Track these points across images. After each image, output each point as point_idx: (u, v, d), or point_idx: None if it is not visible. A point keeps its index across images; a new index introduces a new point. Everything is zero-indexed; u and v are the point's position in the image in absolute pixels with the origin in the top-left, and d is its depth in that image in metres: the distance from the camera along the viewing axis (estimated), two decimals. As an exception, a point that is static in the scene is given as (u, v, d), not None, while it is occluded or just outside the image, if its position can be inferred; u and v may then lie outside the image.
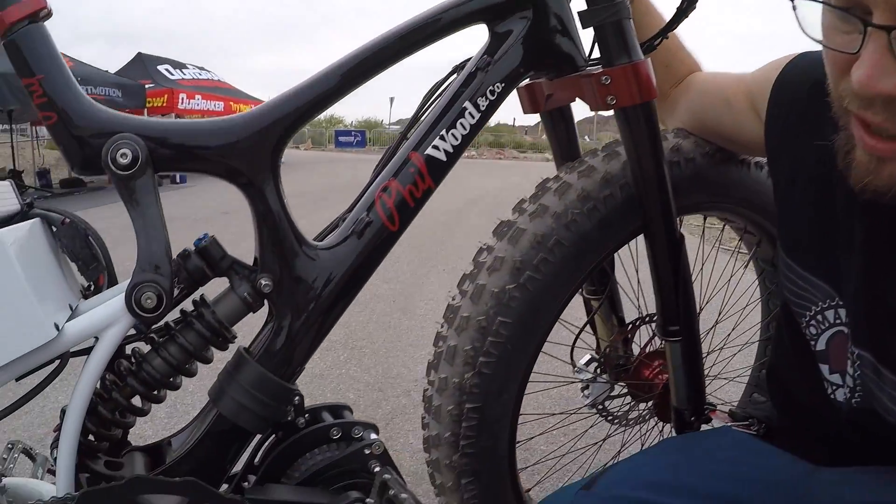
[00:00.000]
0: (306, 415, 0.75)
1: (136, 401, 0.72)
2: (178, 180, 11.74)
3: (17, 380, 0.69)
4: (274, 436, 0.75)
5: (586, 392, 1.13)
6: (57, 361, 0.69)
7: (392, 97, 45.47)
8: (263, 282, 0.71)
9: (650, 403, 1.13)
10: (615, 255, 1.01)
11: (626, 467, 0.89)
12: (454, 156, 0.79)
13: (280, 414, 0.72)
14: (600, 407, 1.13)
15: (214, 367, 0.73)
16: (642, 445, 1.20)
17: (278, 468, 0.73)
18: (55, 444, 0.72)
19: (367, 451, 0.73)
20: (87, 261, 0.74)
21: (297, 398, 0.74)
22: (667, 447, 0.96)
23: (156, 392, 0.71)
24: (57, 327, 0.64)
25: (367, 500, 0.67)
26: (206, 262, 0.71)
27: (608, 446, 1.31)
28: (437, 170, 0.79)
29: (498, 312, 0.87)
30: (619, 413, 1.15)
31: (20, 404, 0.67)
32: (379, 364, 2.49)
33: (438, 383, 0.90)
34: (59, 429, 0.73)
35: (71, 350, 0.70)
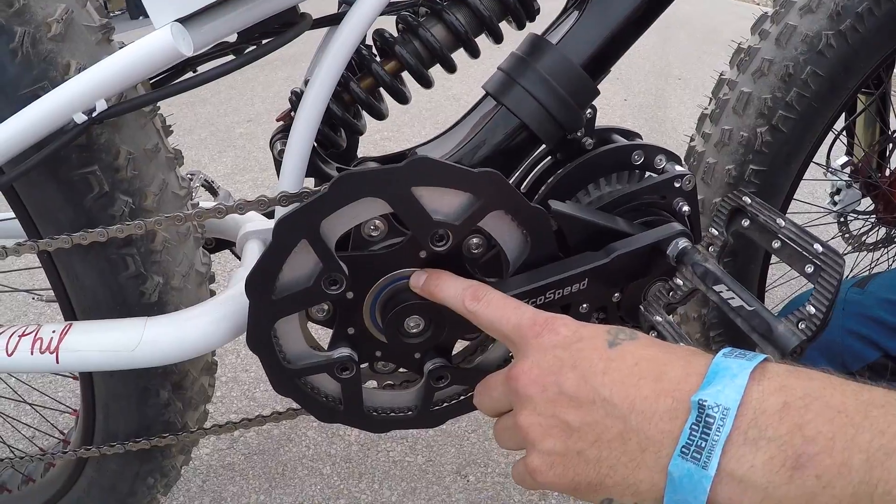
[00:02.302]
0: (593, 136, 0.58)
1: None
2: None
3: (238, 34, 0.52)
4: (551, 157, 0.59)
5: (836, 199, 0.95)
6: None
7: None
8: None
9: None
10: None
11: None
12: None
13: (576, 121, 0.55)
14: (842, 220, 0.96)
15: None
16: (870, 271, 1.04)
17: (558, 195, 0.57)
18: (279, 136, 0.57)
19: (676, 185, 0.57)
20: None
21: (590, 111, 0.57)
22: None
23: (427, 70, 0.54)
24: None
25: (713, 230, 0.51)
26: None
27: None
28: None
29: (809, 60, 0.71)
30: (860, 233, 0.98)
31: (237, 65, 0.50)
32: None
33: (719, 137, 0.75)
34: (285, 117, 0.58)
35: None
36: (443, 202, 0.47)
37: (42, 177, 0.53)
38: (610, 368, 0.37)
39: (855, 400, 0.31)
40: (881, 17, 0.71)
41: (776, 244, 0.49)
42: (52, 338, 0.57)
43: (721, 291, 0.49)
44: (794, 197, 0.79)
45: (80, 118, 0.48)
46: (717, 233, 0.51)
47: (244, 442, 1.12)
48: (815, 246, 0.46)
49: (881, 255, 1.03)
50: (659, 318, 0.51)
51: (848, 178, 0.94)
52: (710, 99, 0.78)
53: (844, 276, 0.45)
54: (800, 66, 0.71)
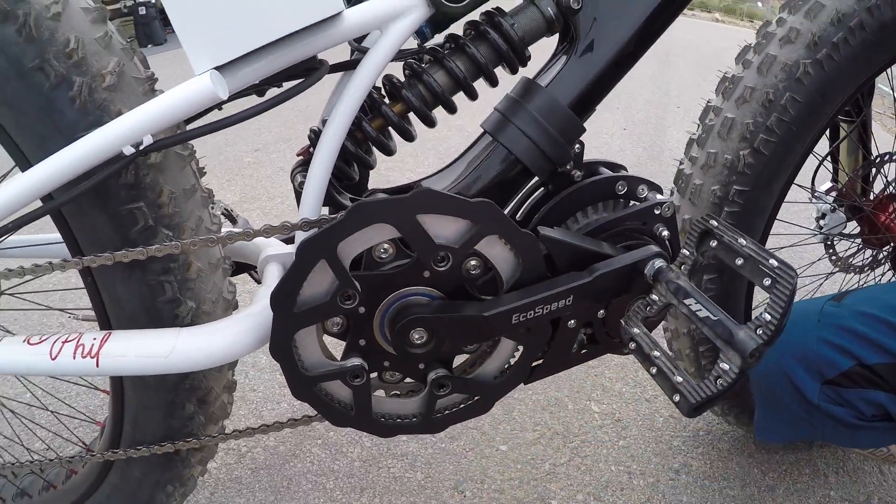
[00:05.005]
0: (582, 169, 0.65)
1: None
2: None
3: (257, 89, 0.59)
4: (543, 188, 0.66)
5: (821, 222, 1.00)
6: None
7: None
8: (573, -2, 0.59)
9: (885, 250, 1.00)
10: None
11: (878, 291, 0.86)
12: None
13: (564, 156, 0.61)
14: (829, 243, 1.01)
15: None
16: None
17: (549, 223, 0.63)
18: (299, 169, 0.64)
19: (656, 212, 0.62)
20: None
21: (578, 146, 0.63)
22: None
23: (430, 111, 0.61)
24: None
25: (685, 251, 0.56)
26: None
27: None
28: None
29: (788, 87, 0.78)
30: (846, 255, 1.03)
31: (267, 106, 0.56)
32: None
33: (704, 160, 0.82)
34: (305, 153, 0.65)
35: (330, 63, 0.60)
36: (444, 228, 0.53)
37: (92, 208, 0.59)
38: None
39: None
40: (856, 46, 0.77)
41: (739, 261, 0.55)
42: (93, 344, 0.62)
43: (690, 304, 0.54)
44: (784, 219, 0.85)
45: (129, 150, 0.54)
46: (688, 253, 0.57)
47: (251, 457, 1.17)
48: (770, 261, 0.52)
49: (869, 276, 1.07)
50: (637, 331, 0.57)
51: (832, 203, 0.99)
52: (698, 125, 0.85)
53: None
54: (779, 93, 0.77)
